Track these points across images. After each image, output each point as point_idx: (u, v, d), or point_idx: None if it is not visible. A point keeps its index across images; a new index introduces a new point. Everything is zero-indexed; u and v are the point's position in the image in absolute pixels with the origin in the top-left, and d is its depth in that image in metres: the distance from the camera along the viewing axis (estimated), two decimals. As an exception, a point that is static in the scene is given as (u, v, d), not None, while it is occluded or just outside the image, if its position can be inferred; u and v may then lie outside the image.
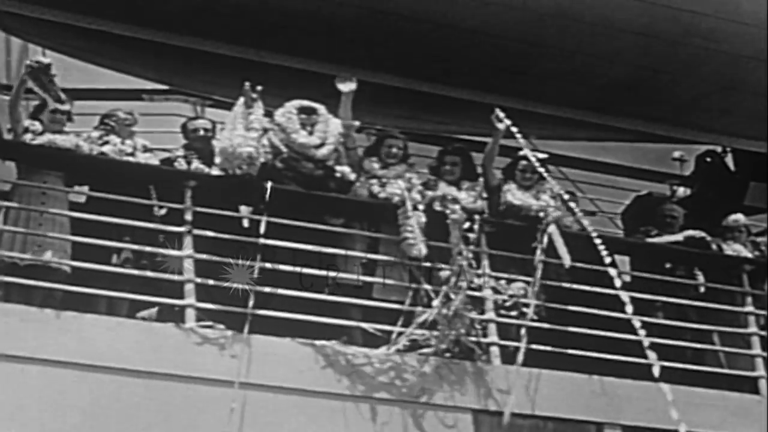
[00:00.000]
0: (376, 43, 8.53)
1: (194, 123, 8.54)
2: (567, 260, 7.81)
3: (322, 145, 7.91)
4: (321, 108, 8.06)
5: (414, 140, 9.88)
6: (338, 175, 7.93)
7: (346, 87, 7.98)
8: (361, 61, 8.57)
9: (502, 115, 8.06)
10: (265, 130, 7.73)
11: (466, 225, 7.80)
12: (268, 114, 7.87)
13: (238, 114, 7.60)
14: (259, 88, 7.61)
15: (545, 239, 7.91)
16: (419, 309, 7.46)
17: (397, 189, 7.88)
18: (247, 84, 7.62)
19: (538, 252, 7.87)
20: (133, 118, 8.23)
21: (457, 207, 7.89)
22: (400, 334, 7.34)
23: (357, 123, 8.18)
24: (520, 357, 7.50)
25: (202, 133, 8.36)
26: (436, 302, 7.43)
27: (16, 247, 7.30)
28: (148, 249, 7.31)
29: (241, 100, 7.64)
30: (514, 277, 7.90)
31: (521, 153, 8.34)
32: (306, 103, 8.04)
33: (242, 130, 7.52)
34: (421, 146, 10.06)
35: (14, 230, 7.31)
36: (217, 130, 8.26)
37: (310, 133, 7.92)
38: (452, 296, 7.45)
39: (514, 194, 8.32)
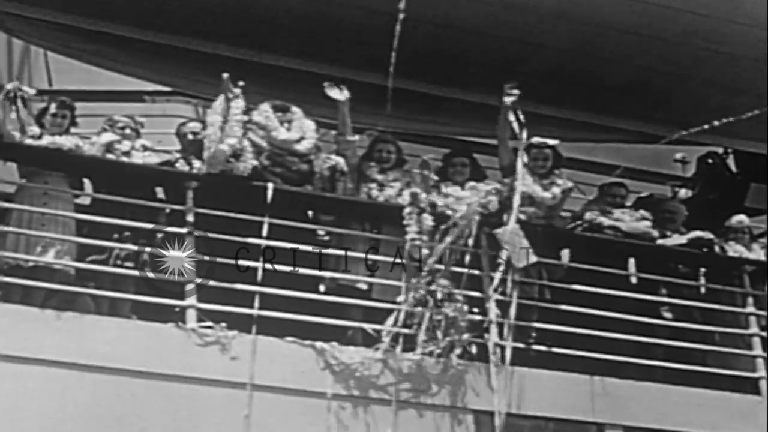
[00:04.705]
0: (376, 44, 8.53)
1: (183, 127, 8.52)
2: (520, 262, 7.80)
3: (302, 138, 7.97)
4: (294, 107, 8.13)
5: (414, 142, 9.91)
6: (332, 162, 7.98)
7: (340, 95, 7.93)
8: (361, 62, 8.58)
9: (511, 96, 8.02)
10: (245, 125, 7.74)
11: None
12: (246, 111, 7.87)
13: (218, 112, 7.61)
14: (240, 83, 7.61)
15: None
16: (418, 309, 7.46)
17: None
18: (225, 75, 7.61)
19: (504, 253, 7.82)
20: (133, 121, 8.24)
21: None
22: (398, 335, 7.36)
23: (356, 138, 8.22)
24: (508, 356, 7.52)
25: (190, 137, 8.34)
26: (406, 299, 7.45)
27: (20, 248, 7.32)
28: (148, 249, 7.32)
29: (221, 97, 7.64)
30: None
31: (533, 140, 8.38)
32: (278, 102, 8.09)
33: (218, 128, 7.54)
34: (422, 148, 10.07)
35: (17, 231, 7.32)
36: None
37: (288, 130, 7.97)
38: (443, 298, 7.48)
39: (524, 182, 8.29)
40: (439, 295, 7.47)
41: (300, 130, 8.02)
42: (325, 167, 8.06)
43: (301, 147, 7.97)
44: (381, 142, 8.38)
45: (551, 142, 8.43)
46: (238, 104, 7.65)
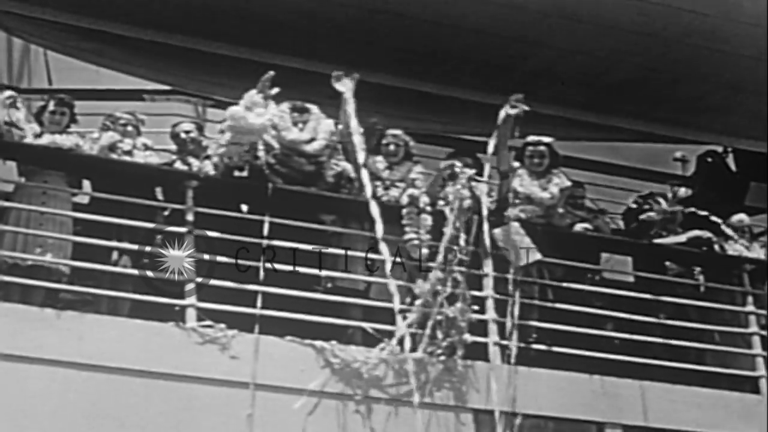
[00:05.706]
0: (376, 43, 8.55)
1: (176, 128, 8.49)
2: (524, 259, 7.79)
3: (312, 140, 7.94)
4: (314, 108, 8.09)
5: (415, 142, 9.88)
6: (339, 169, 7.95)
7: (343, 86, 7.93)
8: (361, 61, 8.58)
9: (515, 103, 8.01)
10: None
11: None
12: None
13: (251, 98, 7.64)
14: (276, 89, 7.63)
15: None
16: (417, 309, 7.45)
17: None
18: (270, 73, 7.62)
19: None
20: (134, 118, 8.25)
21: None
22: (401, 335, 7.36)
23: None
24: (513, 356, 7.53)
25: (183, 135, 8.33)
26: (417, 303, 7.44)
27: (17, 247, 7.32)
28: (148, 249, 7.32)
29: (254, 91, 7.65)
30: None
31: (529, 139, 8.40)
32: (298, 102, 8.08)
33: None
34: (422, 148, 10.05)
35: (15, 230, 7.32)
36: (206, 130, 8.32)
37: (301, 130, 7.95)
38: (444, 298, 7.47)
39: (522, 181, 8.31)
40: (441, 295, 7.46)
41: (313, 131, 7.97)
42: (330, 174, 8.02)
43: (310, 148, 7.93)
44: (389, 135, 8.36)
45: (546, 139, 8.44)
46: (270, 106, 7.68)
